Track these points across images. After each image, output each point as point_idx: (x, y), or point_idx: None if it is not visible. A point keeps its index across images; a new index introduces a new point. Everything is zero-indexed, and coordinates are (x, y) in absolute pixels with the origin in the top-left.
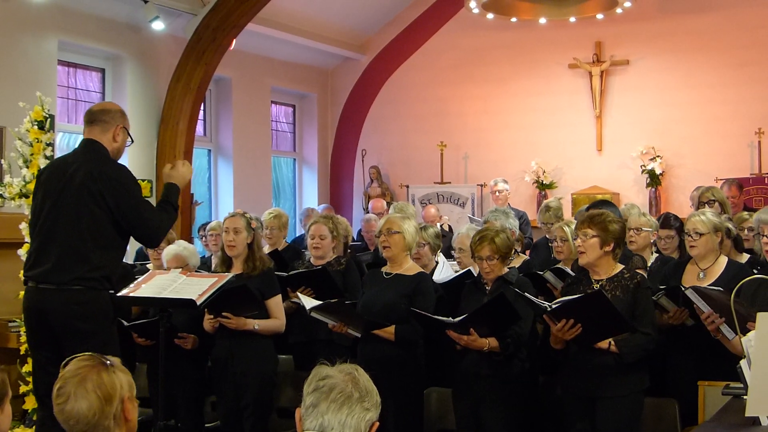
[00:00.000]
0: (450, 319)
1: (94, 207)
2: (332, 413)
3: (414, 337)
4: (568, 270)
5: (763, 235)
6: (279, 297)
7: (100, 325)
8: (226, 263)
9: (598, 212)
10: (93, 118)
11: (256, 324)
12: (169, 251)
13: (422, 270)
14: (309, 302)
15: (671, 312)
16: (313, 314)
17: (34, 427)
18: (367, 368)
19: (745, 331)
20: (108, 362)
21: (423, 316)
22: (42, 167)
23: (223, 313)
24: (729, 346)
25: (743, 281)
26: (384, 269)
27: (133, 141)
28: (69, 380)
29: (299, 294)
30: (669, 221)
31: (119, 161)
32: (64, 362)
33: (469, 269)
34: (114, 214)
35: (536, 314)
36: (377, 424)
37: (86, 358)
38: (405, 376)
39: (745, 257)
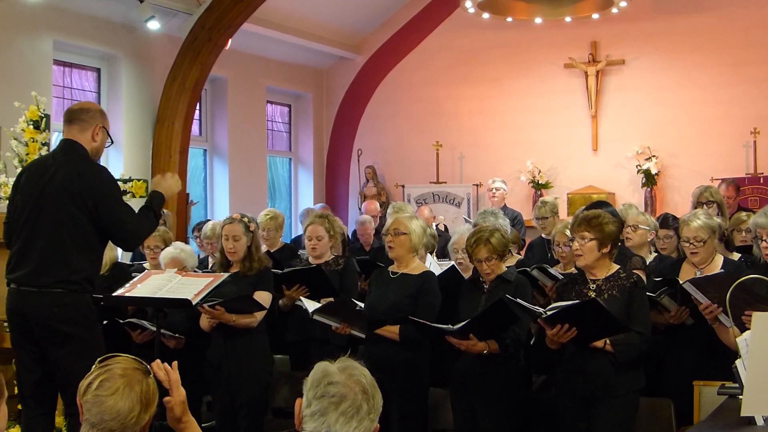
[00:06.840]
0: (449, 326)
1: (74, 209)
2: (340, 425)
3: (419, 336)
4: (553, 270)
5: (762, 240)
6: (265, 294)
7: (81, 327)
8: (225, 266)
9: (594, 214)
10: (72, 117)
11: (233, 318)
12: (166, 254)
13: (428, 269)
14: (311, 305)
15: (672, 311)
16: (316, 317)
17: None
18: (372, 369)
19: (740, 324)
20: (148, 369)
21: (422, 324)
22: (21, 169)
23: (216, 306)
24: (724, 337)
25: (741, 279)
26: (390, 269)
27: (113, 142)
28: (117, 377)
29: (302, 298)
30: (668, 221)
31: (100, 161)
32: (101, 358)
33: (453, 265)
34: (93, 216)
35: (530, 319)
36: (378, 426)
37: (133, 361)
38: (410, 377)
39: (736, 256)
